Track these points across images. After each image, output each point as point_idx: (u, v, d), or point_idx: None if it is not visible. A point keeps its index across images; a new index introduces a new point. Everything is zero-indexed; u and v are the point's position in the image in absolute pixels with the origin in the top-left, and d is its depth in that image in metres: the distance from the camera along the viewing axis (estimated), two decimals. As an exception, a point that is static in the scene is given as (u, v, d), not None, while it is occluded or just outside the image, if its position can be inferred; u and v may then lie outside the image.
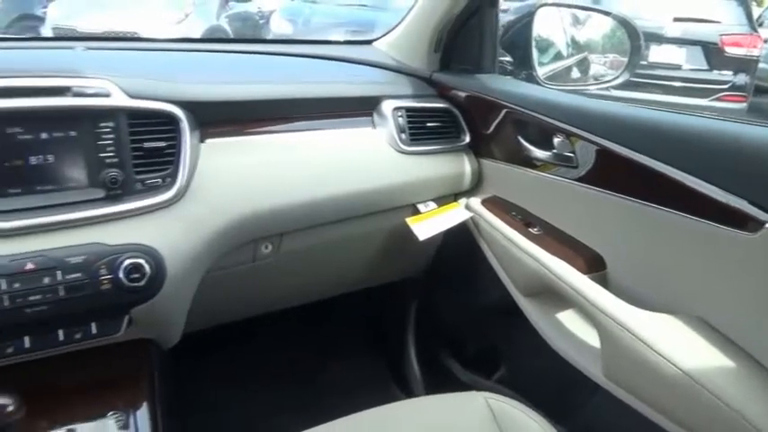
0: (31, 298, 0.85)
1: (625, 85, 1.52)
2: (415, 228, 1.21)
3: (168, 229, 0.96)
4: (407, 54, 1.40)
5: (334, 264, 1.32)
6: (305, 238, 1.18)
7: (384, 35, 1.53)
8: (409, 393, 1.59)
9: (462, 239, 1.31)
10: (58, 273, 0.87)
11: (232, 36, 6.89)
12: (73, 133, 0.92)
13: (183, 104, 0.99)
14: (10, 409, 0.72)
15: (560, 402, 1.13)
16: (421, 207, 1.27)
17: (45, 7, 6.68)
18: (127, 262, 0.89)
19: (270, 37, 6.42)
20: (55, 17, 6.28)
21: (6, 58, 1.04)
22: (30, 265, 0.85)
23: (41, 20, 6.62)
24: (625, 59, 1.42)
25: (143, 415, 0.93)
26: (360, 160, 1.20)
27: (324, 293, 1.42)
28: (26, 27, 6.84)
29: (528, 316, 1.14)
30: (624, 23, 1.43)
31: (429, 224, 1.22)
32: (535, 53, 1.35)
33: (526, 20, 1.36)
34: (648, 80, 5.02)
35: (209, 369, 1.46)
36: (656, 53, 5.14)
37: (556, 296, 1.06)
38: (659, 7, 5.14)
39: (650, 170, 0.92)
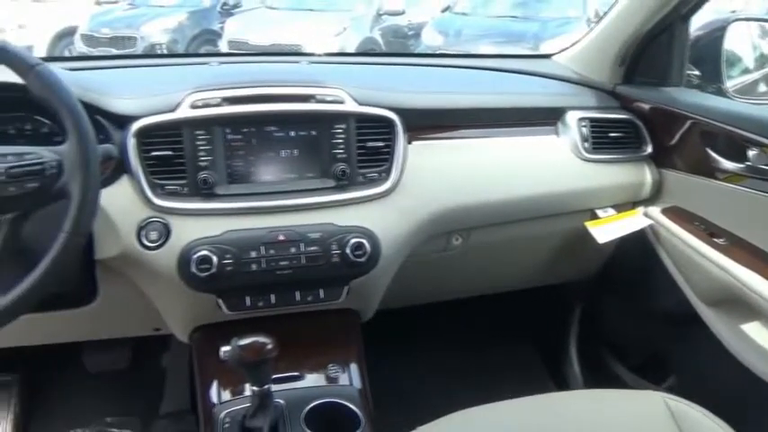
0: (281, 263, 1.06)
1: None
2: (594, 231, 1.28)
3: (384, 216, 1.13)
4: (590, 67, 1.47)
5: (511, 260, 1.43)
6: (490, 234, 1.30)
7: (563, 50, 1.62)
8: (566, 388, 1.65)
9: (636, 247, 1.35)
10: (301, 245, 1.06)
11: (383, 48, 7.27)
12: (314, 132, 1.12)
13: (398, 111, 1.16)
14: (269, 347, 0.91)
15: (744, 413, 1.13)
16: (600, 212, 1.34)
17: (221, 23, 7.52)
18: (353, 241, 1.07)
19: (421, 49, 6.66)
20: (231, 32, 7.06)
21: (263, 70, 1.28)
22: (281, 237, 1.06)
23: (218, 34, 7.47)
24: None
25: (355, 370, 1.10)
26: (544, 166, 1.30)
27: (498, 287, 1.53)
28: (205, 40, 7.74)
29: (710, 325, 1.16)
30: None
31: (608, 229, 1.29)
32: (725, 67, 1.36)
33: (716, 34, 1.36)
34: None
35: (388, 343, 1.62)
36: None
37: (744, 306, 1.07)
38: None
39: None
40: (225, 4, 7.92)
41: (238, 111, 1.08)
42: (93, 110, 1.00)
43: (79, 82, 1.01)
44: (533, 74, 1.50)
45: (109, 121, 1.04)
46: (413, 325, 1.67)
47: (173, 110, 1.05)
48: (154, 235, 1.03)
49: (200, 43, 7.74)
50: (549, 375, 1.74)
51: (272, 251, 1.05)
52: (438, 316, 1.68)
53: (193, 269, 1.01)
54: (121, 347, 1.61)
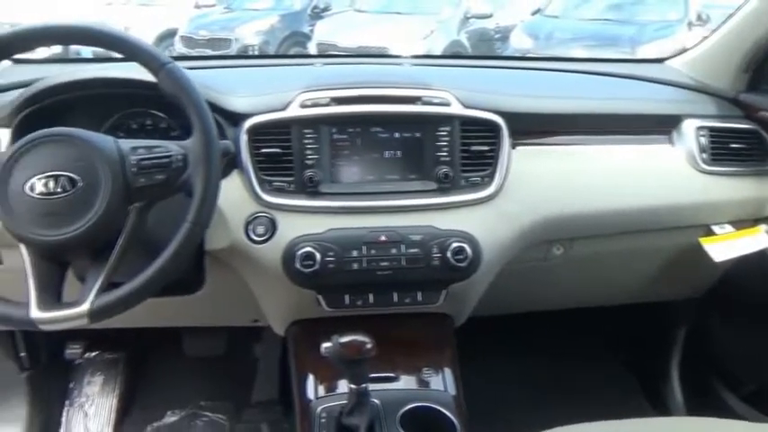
0: (381, 264, 1.06)
1: None
2: (710, 248, 1.20)
3: (485, 221, 1.11)
4: (710, 73, 1.38)
5: (614, 274, 1.36)
6: (593, 246, 1.24)
7: (677, 54, 1.53)
8: (664, 413, 1.55)
9: (756, 267, 1.25)
10: (402, 246, 1.06)
11: (469, 51, 7.20)
12: (418, 134, 1.11)
13: (504, 114, 1.13)
14: (368, 346, 0.91)
15: None
16: (716, 229, 1.25)
17: (311, 26, 7.73)
18: (454, 245, 1.06)
19: (508, 52, 6.55)
20: (320, 34, 7.24)
21: (369, 72, 1.30)
22: (383, 238, 1.07)
23: (308, 37, 7.68)
24: None
25: (449, 376, 1.09)
26: (657, 176, 1.23)
27: (596, 301, 1.47)
28: (295, 42, 7.98)
29: None
30: None
31: (726, 247, 1.20)
32: None
33: None
34: None
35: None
36: None
37: None
38: None
39: None
40: (315, 7, 8.13)
41: (345, 111, 1.09)
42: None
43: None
44: (644, 79, 1.43)
45: (224, 119, 1.08)
46: (502, 333, 1.63)
47: (283, 109, 1.08)
48: (261, 229, 1.06)
49: (289, 45, 7.99)
50: (645, 397, 1.65)
51: (373, 251, 1.06)
52: (528, 326, 1.63)
53: (297, 265, 1.03)
54: (219, 335, 1.68)
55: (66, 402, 1.59)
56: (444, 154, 1.11)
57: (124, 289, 0.82)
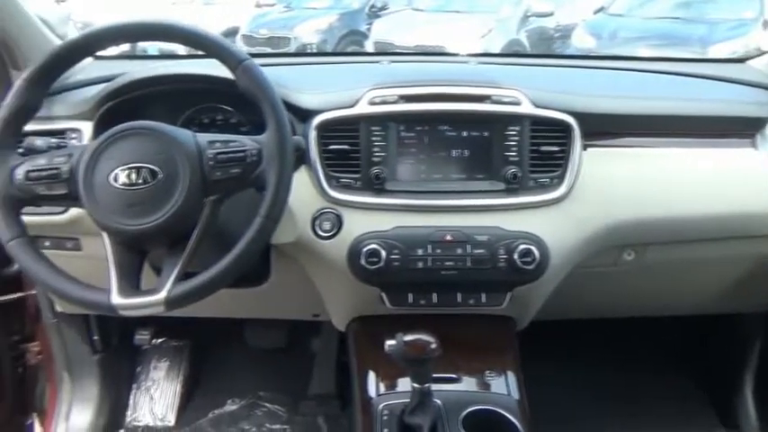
0: (446, 263, 1.05)
1: None
2: (794, 259, 1.13)
3: (554, 224, 1.08)
4: (799, 74, 1.30)
5: (688, 283, 1.30)
6: (668, 252, 1.20)
7: (760, 54, 1.45)
8: (736, 430, 1.48)
9: None
10: (468, 246, 1.05)
11: (528, 50, 7.07)
12: (486, 134, 1.10)
13: (576, 114, 1.10)
14: (433, 346, 0.91)
15: None
16: (802, 238, 1.18)
17: (368, 24, 7.76)
18: (521, 247, 1.04)
19: (570, 51, 6.39)
20: (377, 33, 7.27)
21: (438, 70, 1.29)
22: (448, 237, 1.06)
23: (365, 35, 7.73)
24: None
25: (512, 380, 1.07)
26: (738, 181, 1.17)
27: (666, 310, 1.42)
28: (352, 41, 8.04)
29: None
30: None
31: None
32: None
33: None
34: None
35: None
36: None
37: None
38: None
39: None
40: (373, 6, 8.16)
41: (414, 109, 1.09)
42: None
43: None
44: (724, 79, 1.36)
45: (293, 115, 1.09)
46: (565, 338, 1.59)
47: (352, 105, 1.09)
48: (327, 225, 1.07)
49: (347, 44, 8.06)
50: (715, 413, 1.57)
51: (438, 250, 1.05)
52: (591, 332, 1.59)
53: (362, 262, 1.04)
54: (280, 327, 1.71)
55: (134, 386, 1.66)
56: (513, 154, 1.09)
57: (199, 279, 0.85)
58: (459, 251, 1.05)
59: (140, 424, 1.60)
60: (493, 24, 6.98)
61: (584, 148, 1.13)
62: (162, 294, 0.83)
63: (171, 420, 1.60)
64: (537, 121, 1.09)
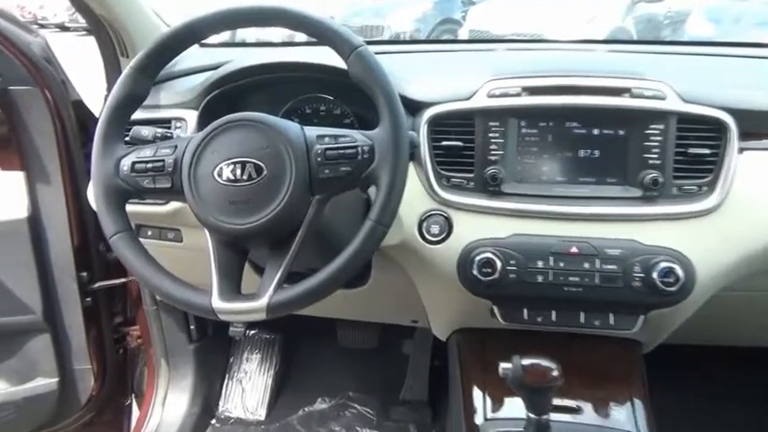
0: (571, 279, 0.93)
1: None
2: None
3: (702, 239, 0.93)
4: None
5: None
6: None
7: None
8: None
9: None
10: (597, 261, 0.92)
11: (635, 38, 6.60)
12: (621, 132, 0.96)
13: (732, 111, 0.94)
14: (555, 373, 0.79)
15: None
16: None
17: (464, 12, 7.55)
18: (662, 265, 0.90)
19: (684, 39, 5.89)
20: (473, 20, 7.05)
21: (566, 59, 1.15)
22: (574, 249, 0.93)
23: (459, 23, 7.52)
24: None
25: (641, 413, 0.93)
26: None
27: None
28: (446, 30, 7.87)
29: None
30: None
31: None
32: None
33: None
34: None
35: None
36: None
37: None
38: None
39: None
40: (469, -8, 7.94)
41: (538, 102, 0.97)
42: None
43: None
44: None
45: (404, 107, 1.01)
46: (689, 364, 1.41)
47: (467, 98, 0.99)
48: (435, 228, 0.98)
49: (440, 32, 7.88)
50: None
51: (561, 263, 0.93)
52: (722, 358, 1.39)
53: (475, 271, 0.94)
54: (372, 327, 1.65)
55: (227, 376, 1.65)
56: (654, 156, 0.94)
57: (302, 287, 0.78)
58: (587, 266, 0.93)
59: (232, 415, 1.60)
60: (597, 11, 6.58)
61: (740, 150, 0.96)
62: (263, 300, 0.77)
63: (261, 415, 1.59)
64: (685, 119, 0.94)
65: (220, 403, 1.61)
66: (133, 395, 1.63)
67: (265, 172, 0.78)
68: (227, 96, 1.10)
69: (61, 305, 1.35)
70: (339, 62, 0.83)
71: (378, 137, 0.79)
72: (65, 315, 1.37)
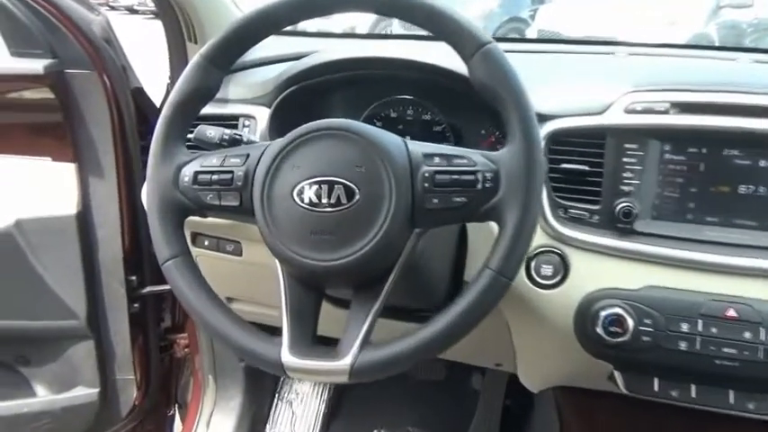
0: (725, 349, 0.73)
1: None
2: None
3: None
4: None
5: None
6: None
7: None
8: None
9: None
10: (761, 330, 0.72)
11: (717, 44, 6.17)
12: None
13: None
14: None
15: None
16: None
17: (532, 11, 7.24)
18: None
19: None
20: (542, 20, 6.74)
21: (726, 70, 0.95)
22: (731, 312, 0.73)
23: (525, 22, 7.22)
24: None
25: None
26: None
27: None
28: (512, 29, 7.58)
29: None
30: None
31: None
32: None
33: None
34: None
35: None
36: None
37: None
38: None
39: None
40: (539, -10, 7.65)
41: (692, 123, 0.78)
42: None
43: None
44: None
45: None
46: None
47: (600, 112, 0.80)
48: (548, 270, 0.80)
49: (507, 31, 7.62)
50: None
51: (713, 329, 0.74)
52: None
53: (599, 330, 0.75)
54: (440, 359, 1.48)
55: (276, 397, 1.51)
56: None
57: (395, 348, 0.62)
58: (748, 335, 0.73)
59: (280, 440, 1.46)
60: (677, 15, 6.19)
61: None
62: (346, 360, 0.61)
63: (312, 443, 1.45)
64: None
65: (268, 427, 1.47)
66: (176, 405, 1.52)
67: (358, 197, 0.61)
68: (303, 94, 0.94)
69: (107, 311, 1.24)
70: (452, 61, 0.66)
71: (504, 161, 0.62)
72: (110, 321, 1.25)
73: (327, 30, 1.37)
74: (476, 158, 0.62)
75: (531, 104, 0.62)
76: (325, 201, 0.62)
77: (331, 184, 0.62)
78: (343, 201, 0.61)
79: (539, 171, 0.61)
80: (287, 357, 0.63)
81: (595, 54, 1.09)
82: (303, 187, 0.63)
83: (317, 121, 0.65)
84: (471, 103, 0.88)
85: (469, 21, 0.64)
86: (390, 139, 0.64)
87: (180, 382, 1.52)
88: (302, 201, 0.62)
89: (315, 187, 0.62)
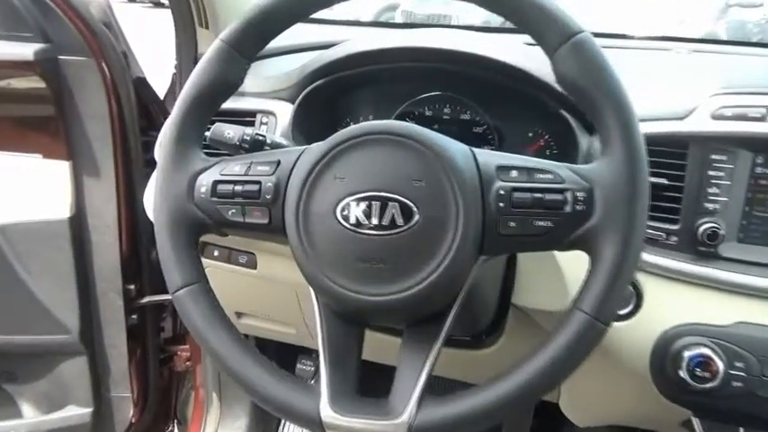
0: None
1: None
2: None
3: None
4: None
5: None
6: None
7: None
8: None
9: None
10: None
11: (725, 45, 6.08)
12: None
13: None
14: None
15: None
16: None
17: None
18: None
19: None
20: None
21: None
22: None
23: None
24: None
25: None
26: None
27: None
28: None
29: None
30: None
31: None
32: None
33: None
34: None
35: None
36: None
37: None
38: None
39: None
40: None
41: None
42: None
43: None
44: None
45: None
46: None
47: (681, 117, 0.69)
48: None
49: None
50: None
51: None
52: None
53: (682, 373, 0.64)
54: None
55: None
56: None
57: (464, 404, 0.50)
58: None
59: (288, 464, 1.35)
60: (686, 13, 6.10)
61: None
62: (403, 419, 0.50)
63: (322, 467, 1.33)
64: None
65: (275, 449, 1.36)
66: (176, 421, 1.41)
67: (417, 218, 0.50)
68: (330, 88, 0.83)
69: (102, 324, 1.13)
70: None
71: (600, 177, 0.50)
72: (105, 335, 1.14)
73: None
74: (563, 173, 0.51)
75: (633, 107, 0.51)
76: (375, 221, 0.50)
77: (384, 202, 0.50)
78: (399, 222, 0.50)
79: (644, 192, 0.49)
80: (327, 412, 0.51)
81: (653, 50, 0.98)
82: (349, 204, 0.51)
83: (366, 123, 0.54)
84: (518, 99, 0.78)
85: (556, 4, 0.52)
86: (455, 146, 0.52)
87: (180, 396, 1.41)
88: (347, 221, 0.51)
89: (363, 205, 0.50)
